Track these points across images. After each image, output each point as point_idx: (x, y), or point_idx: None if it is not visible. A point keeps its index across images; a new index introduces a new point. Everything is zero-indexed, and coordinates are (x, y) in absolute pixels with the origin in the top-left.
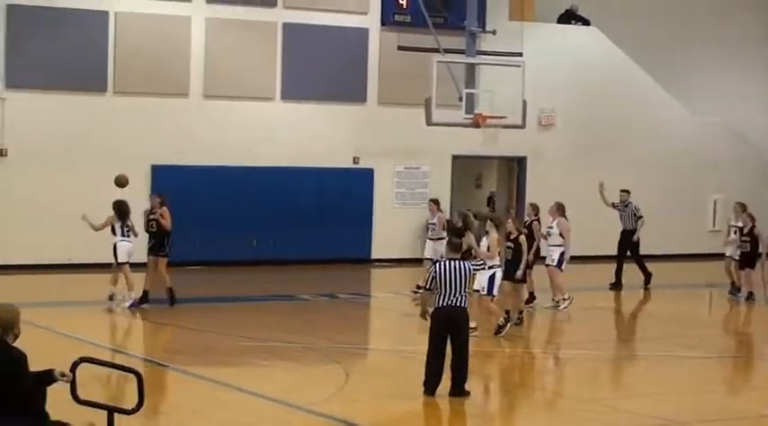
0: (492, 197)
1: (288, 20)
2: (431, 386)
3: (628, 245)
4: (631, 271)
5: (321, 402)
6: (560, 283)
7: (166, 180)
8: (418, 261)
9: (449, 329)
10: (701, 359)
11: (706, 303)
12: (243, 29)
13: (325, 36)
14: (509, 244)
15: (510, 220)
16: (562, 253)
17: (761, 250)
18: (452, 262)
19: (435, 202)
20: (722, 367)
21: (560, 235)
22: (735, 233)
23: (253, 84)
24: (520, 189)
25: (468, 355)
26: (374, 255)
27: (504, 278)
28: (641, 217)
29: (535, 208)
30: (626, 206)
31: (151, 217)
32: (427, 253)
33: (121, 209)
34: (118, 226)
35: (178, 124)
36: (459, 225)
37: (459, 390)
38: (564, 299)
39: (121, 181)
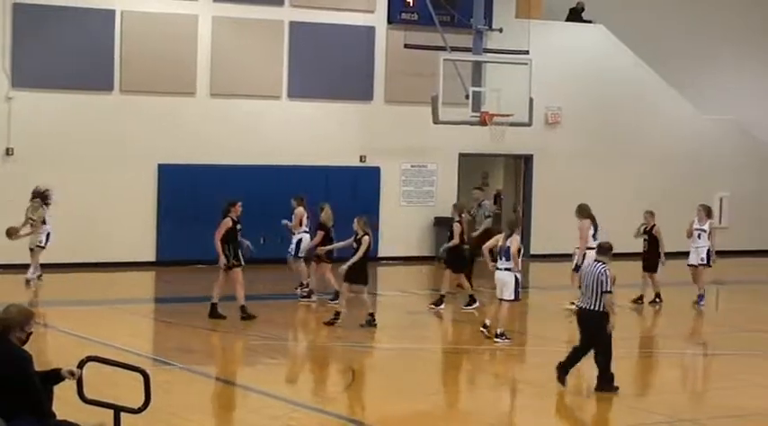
0: (499, 195)
1: (294, 18)
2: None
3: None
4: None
5: (328, 400)
6: None
7: (173, 179)
8: (425, 260)
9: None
10: (712, 355)
11: (712, 300)
12: (249, 27)
13: (332, 34)
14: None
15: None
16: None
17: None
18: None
19: (297, 199)
20: (733, 364)
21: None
22: (699, 236)
23: (259, 83)
24: (526, 187)
25: (605, 354)
26: (381, 253)
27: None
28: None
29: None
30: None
31: None
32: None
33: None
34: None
35: (185, 123)
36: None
37: (599, 386)
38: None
39: None
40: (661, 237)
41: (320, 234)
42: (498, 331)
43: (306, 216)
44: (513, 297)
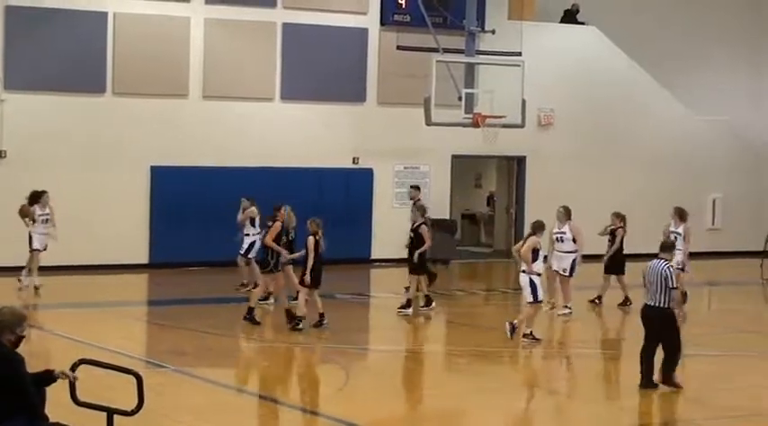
0: (492, 196)
1: (287, 20)
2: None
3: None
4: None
5: (321, 402)
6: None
7: (166, 181)
8: None
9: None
10: (705, 356)
11: (705, 301)
12: (242, 29)
13: (325, 36)
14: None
15: None
16: (574, 260)
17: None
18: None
19: (249, 199)
20: (727, 365)
21: (573, 240)
22: (675, 239)
23: (252, 85)
24: (519, 188)
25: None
26: (374, 255)
27: None
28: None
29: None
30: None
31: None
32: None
33: None
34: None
35: (177, 125)
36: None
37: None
38: (567, 307)
39: None
40: (620, 240)
41: (284, 238)
42: (527, 331)
43: (258, 216)
44: (531, 299)
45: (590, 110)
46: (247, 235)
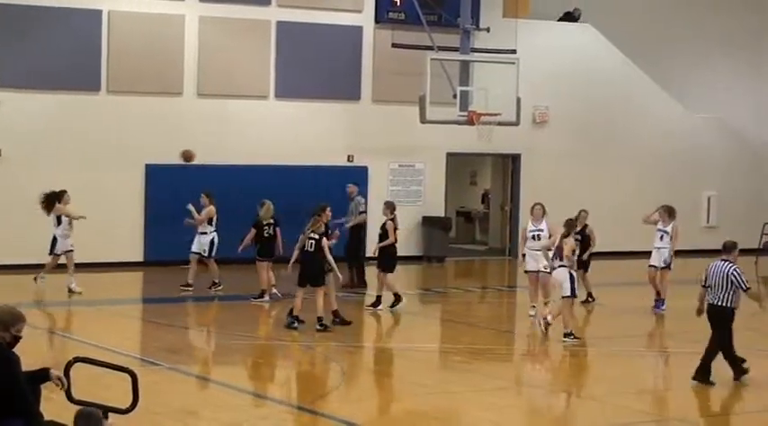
0: (486, 194)
1: (282, 18)
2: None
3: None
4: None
5: (318, 400)
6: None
7: (161, 179)
8: (413, 259)
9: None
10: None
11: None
12: (236, 27)
13: (319, 34)
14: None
15: None
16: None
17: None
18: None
19: (209, 196)
20: (721, 362)
21: (550, 238)
22: (661, 238)
23: (247, 83)
24: (514, 186)
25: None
26: (369, 253)
27: None
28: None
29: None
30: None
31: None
32: (194, 247)
33: None
34: None
35: (172, 123)
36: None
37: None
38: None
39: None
40: (593, 237)
41: (252, 231)
42: (565, 331)
43: (215, 214)
44: (568, 294)
45: (585, 108)
46: (204, 233)
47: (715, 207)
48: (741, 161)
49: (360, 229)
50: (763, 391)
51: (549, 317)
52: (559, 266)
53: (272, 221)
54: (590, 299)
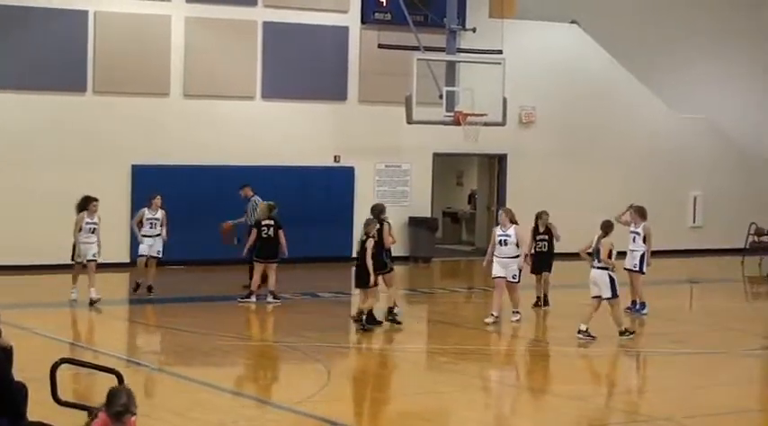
0: (473, 194)
1: (268, 18)
2: None
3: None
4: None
5: (303, 401)
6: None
7: (147, 180)
8: (400, 260)
9: None
10: (687, 354)
11: (687, 299)
12: (223, 28)
13: (306, 34)
14: None
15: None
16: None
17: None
18: None
19: (162, 196)
20: (708, 362)
21: (517, 245)
22: (633, 240)
23: (233, 83)
24: (501, 186)
25: None
26: (355, 254)
27: None
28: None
29: None
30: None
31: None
32: (142, 250)
33: None
34: None
35: (158, 124)
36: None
37: None
38: (517, 313)
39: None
40: (557, 235)
41: (253, 232)
42: (621, 329)
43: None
44: (610, 295)
45: (571, 109)
46: (159, 235)
47: (701, 207)
48: (727, 161)
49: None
50: (748, 390)
51: (582, 327)
52: (598, 267)
53: (270, 222)
54: (542, 304)
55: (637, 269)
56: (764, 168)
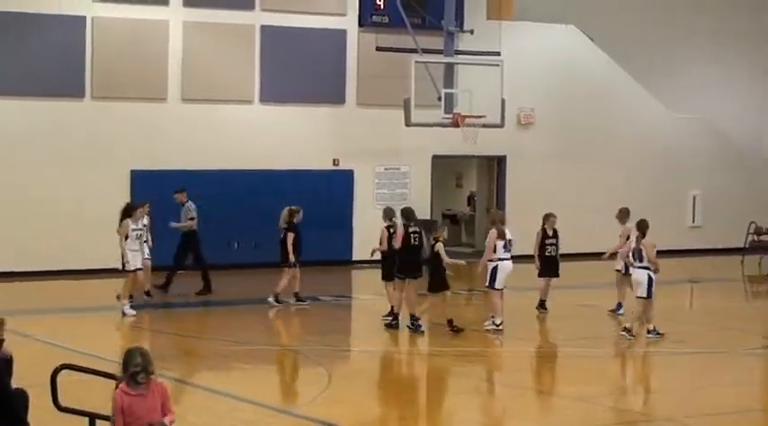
0: (472, 196)
1: (265, 22)
2: None
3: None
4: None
5: (304, 404)
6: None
7: (146, 184)
8: None
9: None
10: (687, 354)
11: (687, 298)
12: (221, 32)
13: (304, 38)
14: None
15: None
16: (495, 269)
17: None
18: None
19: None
20: (708, 362)
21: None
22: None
23: (231, 88)
24: (500, 188)
25: None
26: (355, 257)
27: None
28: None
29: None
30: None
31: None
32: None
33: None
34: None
35: (157, 128)
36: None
37: None
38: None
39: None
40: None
41: (290, 236)
42: (649, 327)
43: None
44: (645, 295)
45: (570, 110)
46: (146, 241)
47: (700, 206)
48: (726, 160)
49: (193, 235)
50: (749, 390)
51: (628, 325)
52: (639, 267)
53: (284, 226)
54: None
55: (622, 270)
56: (764, 167)
